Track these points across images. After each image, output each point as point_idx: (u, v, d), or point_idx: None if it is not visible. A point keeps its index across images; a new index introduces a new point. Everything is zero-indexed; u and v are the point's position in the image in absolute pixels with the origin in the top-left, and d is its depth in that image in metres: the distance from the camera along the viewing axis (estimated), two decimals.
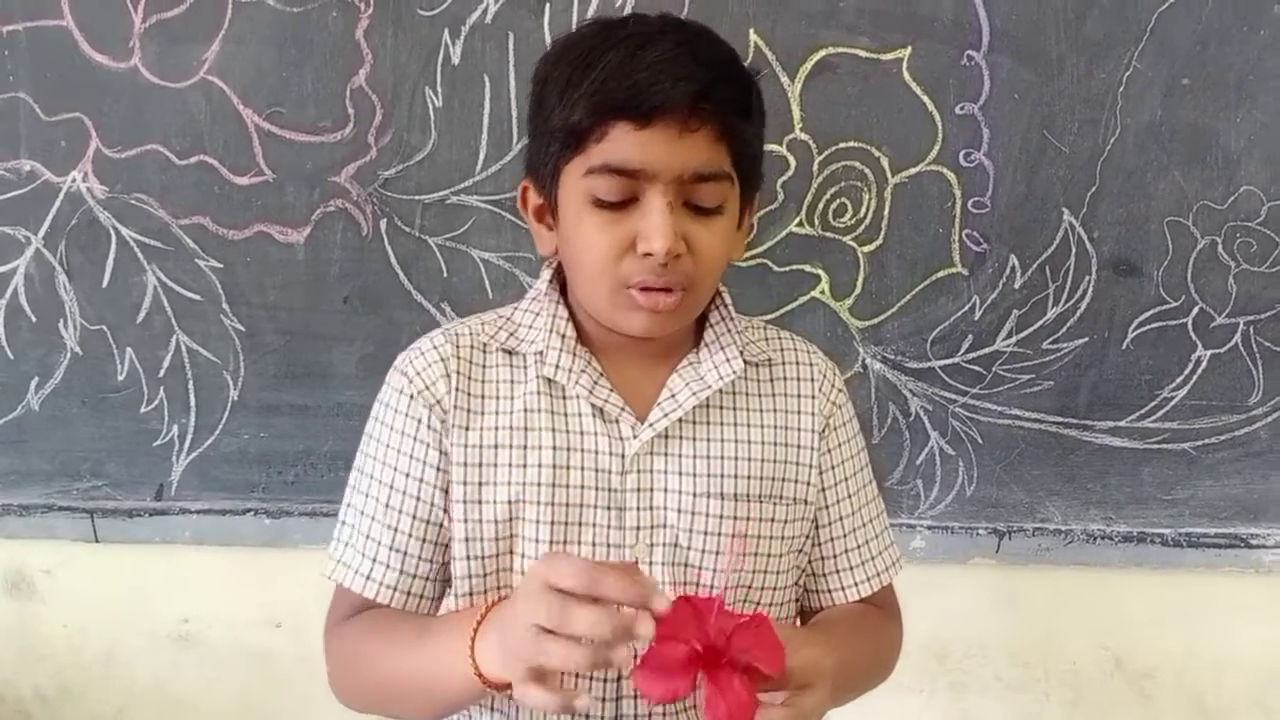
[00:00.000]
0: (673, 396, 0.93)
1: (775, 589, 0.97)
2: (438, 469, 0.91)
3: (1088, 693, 1.64)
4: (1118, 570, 1.57)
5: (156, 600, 1.58)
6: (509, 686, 0.76)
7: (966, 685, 1.64)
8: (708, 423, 0.95)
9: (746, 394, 0.97)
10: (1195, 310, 1.48)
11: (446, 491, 0.92)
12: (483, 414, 0.92)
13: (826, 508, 1.00)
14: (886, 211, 1.45)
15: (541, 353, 0.93)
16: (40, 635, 1.59)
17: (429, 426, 0.91)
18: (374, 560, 0.91)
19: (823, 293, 1.47)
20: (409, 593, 0.92)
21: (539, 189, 0.92)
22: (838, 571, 1.01)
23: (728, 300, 0.99)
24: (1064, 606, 1.62)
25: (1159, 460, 1.53)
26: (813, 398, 0.99)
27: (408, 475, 0.92)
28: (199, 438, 1.49)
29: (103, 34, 1.37)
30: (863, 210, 1.45)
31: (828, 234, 1.45)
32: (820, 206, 1.44)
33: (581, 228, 0.87)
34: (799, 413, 0.99)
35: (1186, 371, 1.50)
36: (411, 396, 0.92)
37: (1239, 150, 1.43)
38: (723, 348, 0.96)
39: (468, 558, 0.91)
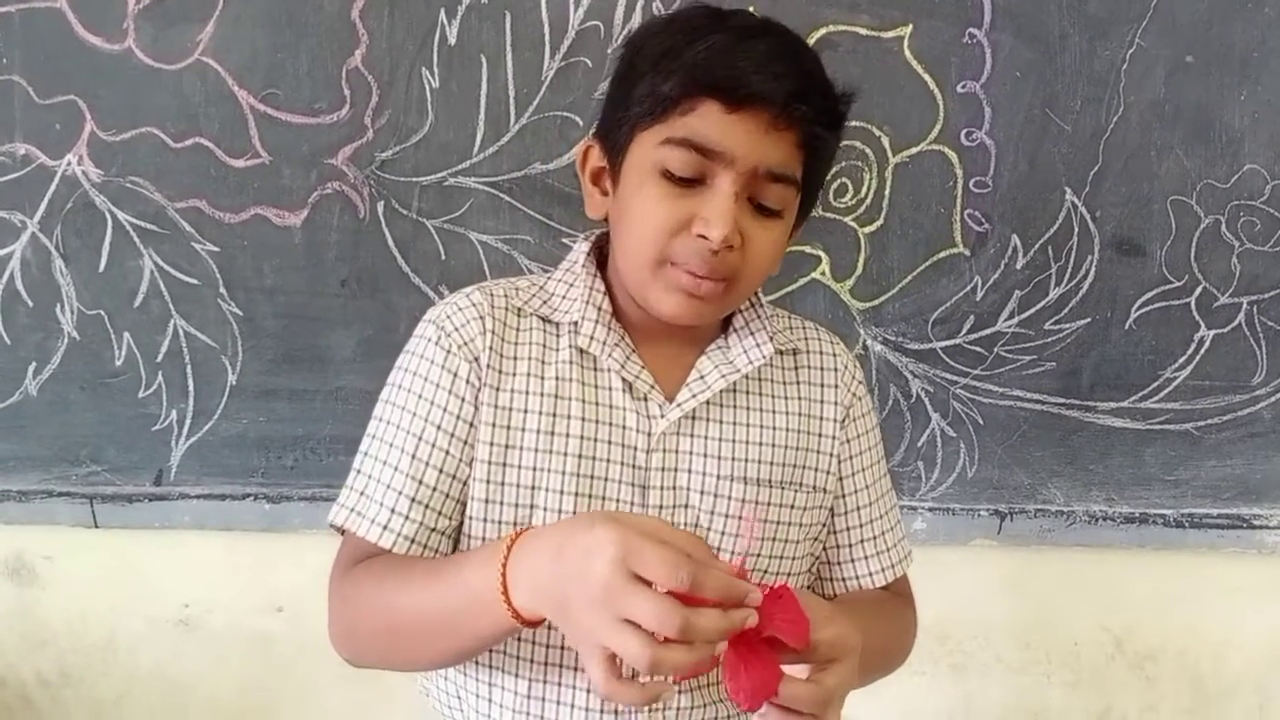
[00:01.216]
0: (701, 378, 0.94)
1: (790, 575, 0.97)
2: (470, 424, 0.90)
3: (1089, 674, 1.64)
4: (1119, 551, 1.57)
5: (157, 585, 1.58)
6: (541, 622, 0.75)
7: (968, 667, 1.64)
8: (734, 406, 0.95)
9: (773, 381, 0.98)
10: (1198, 290, 1.47)
11: (474, 449, 0.90)
12: (514, 375, 0.91)
13: (843, 497, 1.01)
14: (887, 191, 1.44)
15: (576, 323, 0.93)
16: (41, 621, 1.59)
17: (468, 381, 0.90)
18: (393, 510, 0.88)
19: (823, 274, 1.47)
20: (426, 545, 0.89)
21: (605, 150, 0.92)
22: (853, 561, 1.02)
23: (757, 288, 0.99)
24: (1065, 588, 1.62)
25: (1161, 441, 1.53)
26: (835, 387, 1.00)
27: (439, 427, 0.89)
28: (198, 422, 1.48)
29: (97, 16, 1.36)
30: (863, 190, 1.44)
31: (828, 214, 1.44)
32: None
33: (642, 195, 0.87)
34: (822, 402, 0.99)
35: (1189, 352, 1.49)
36: (449, 350, 0.90)
37: (1243, 129, 1.42)
38: (752, 333, 0.97)
39: (485, 520, 0.90)
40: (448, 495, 0.90)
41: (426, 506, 0.89)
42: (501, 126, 1.40)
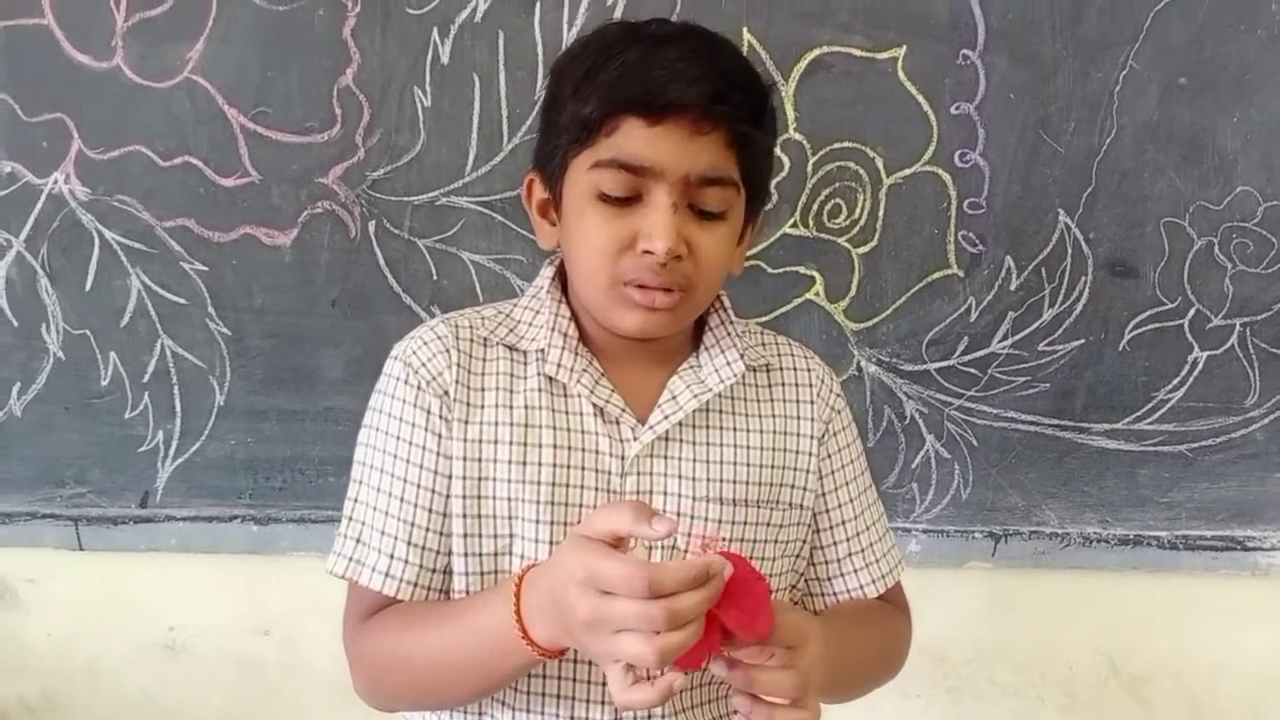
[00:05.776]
0: (673, 399, 0.93)
1: (771, 593, 0.96)
2: (450, 458, 0.90)
3: (1084, 697, 1.63)
4: (1114, 573, 1.56)
5: (142, 609, 1.56)
6: (565, 651, 0.78)
7: (963, 690, 1.63)
8: (707, 426, 0.94)
9: (746, 399, 0.97)
10: (1192, 312, 1.47)
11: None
12: (482, 408, 0.91)
13: (828, 512, 1.00)
14: (881, 213, 1.43)
15: (543, 350, 0.92)
16: (24, 645, 1.57)
17: (440, 416, 0.90)
18: (392, 556, 0.89)
19: (817, 295, 1.46)
20: (429, 587, 0.90)
21: (545, 182, 0.93)
22: (843, 575, 1.01)
23: (727, 304, 0.99)
24: (1060, 610, 1.61)
25: (1155, 462, 1.52)
26: (811, 403, 0.99)
27: (420, 466, 0.90)
28: (185, 443, 1.46)
29: (84, 33, 1.35)
30: (857, 211, 1.43)
31: (822, 235, 1.44)
32: (815, 207, 1.43)
33: (584, 221, 0.87)
34: (798, 418, 0.99)
35: (1183, 373, 1.49)
36: (419, 387, 0.90)
37: (1235, 150, 1.42)
38: (723, 351, 0.96)
39: (465, 554, 0.89)
40: (440, 533, 0.90)
41: (424, 548, 0.89)
42: (494, 146, 1.39)
